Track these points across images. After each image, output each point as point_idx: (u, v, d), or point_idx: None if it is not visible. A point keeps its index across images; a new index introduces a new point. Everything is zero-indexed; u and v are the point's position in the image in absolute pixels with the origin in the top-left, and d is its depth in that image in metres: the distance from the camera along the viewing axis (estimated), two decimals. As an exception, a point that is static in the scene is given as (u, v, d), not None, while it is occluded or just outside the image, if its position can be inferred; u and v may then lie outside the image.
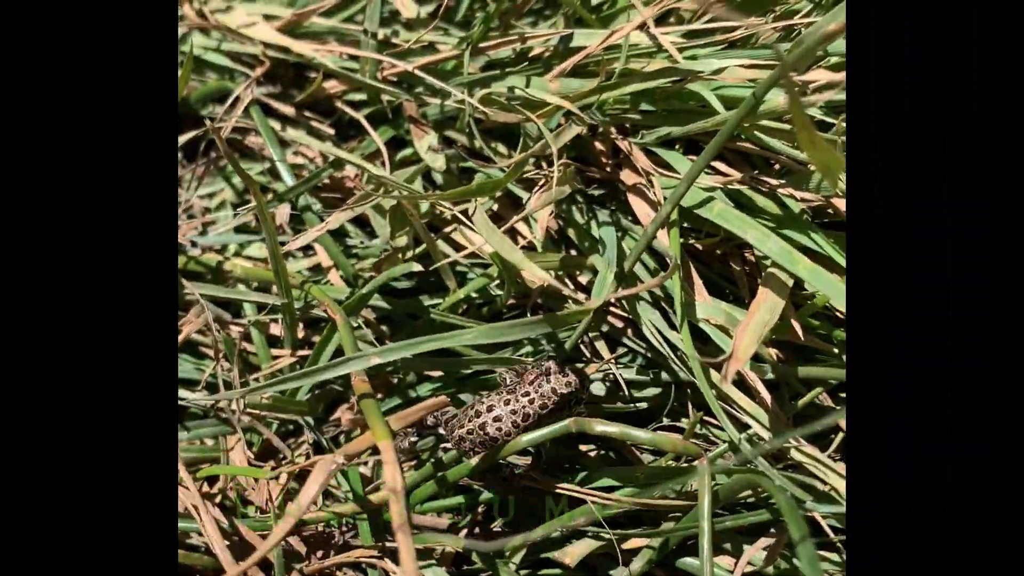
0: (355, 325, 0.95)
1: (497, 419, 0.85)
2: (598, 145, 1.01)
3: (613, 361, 0.94)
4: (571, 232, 1.00)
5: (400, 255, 0.97)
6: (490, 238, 0.80)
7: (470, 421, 0.86)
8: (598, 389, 0.96)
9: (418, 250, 0.97)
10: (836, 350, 0.90)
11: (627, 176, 0.96)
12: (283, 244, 0.99)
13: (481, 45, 1.00)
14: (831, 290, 0.77)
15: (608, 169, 1.00)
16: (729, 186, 0.90)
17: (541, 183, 0.92)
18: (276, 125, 1.11)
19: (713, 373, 0.86)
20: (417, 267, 0.89)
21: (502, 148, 1.05)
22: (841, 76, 0.85)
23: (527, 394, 0.86)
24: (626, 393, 0.94)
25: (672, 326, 0.92)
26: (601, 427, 0.85)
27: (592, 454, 0.96)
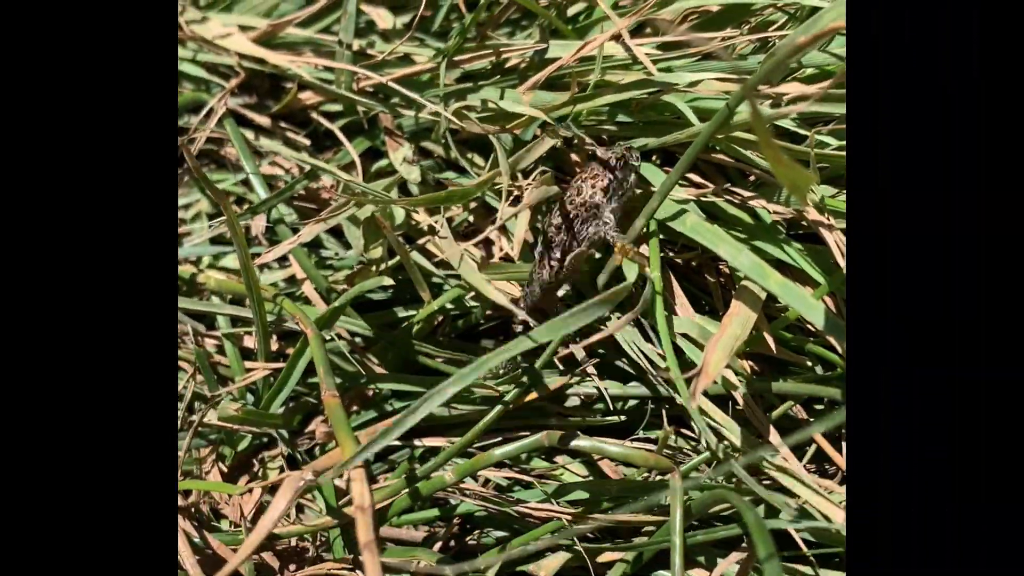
0: (328, 338, 0.94)
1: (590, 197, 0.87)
2: (574, 157, 1.01)
3: (595, 374, 0.94)
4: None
5: (374, 267, 0.96)
6: (452, 259, 0.80)
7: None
8: (573, 402, 0.96)
9: (392, 262, 0.96)
10: (809, 362, 0.90)
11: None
12: (257, 256, 0.98)
13: (456, 58, 1.00)
14: (802, 305, 0.77)
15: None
16: (703, 198, 0.90)
17: (514, 196, 0.92)
18: (251, 135, 1.11)
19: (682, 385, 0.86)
20: (388, 281, 0.88)
21: (478, 159, 1.05)
22: (813, 88, 0.86)
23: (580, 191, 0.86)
24: (609, 404, 0.93)
25: (647, 338, 0.92)
26: (574, 441, 0.85)
27: (568, 465, 0.96)
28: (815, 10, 0.91)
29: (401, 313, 1.00)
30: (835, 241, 0.82)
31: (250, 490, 0.93)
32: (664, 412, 0.94)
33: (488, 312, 1.01)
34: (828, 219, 0.83)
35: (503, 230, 1.01)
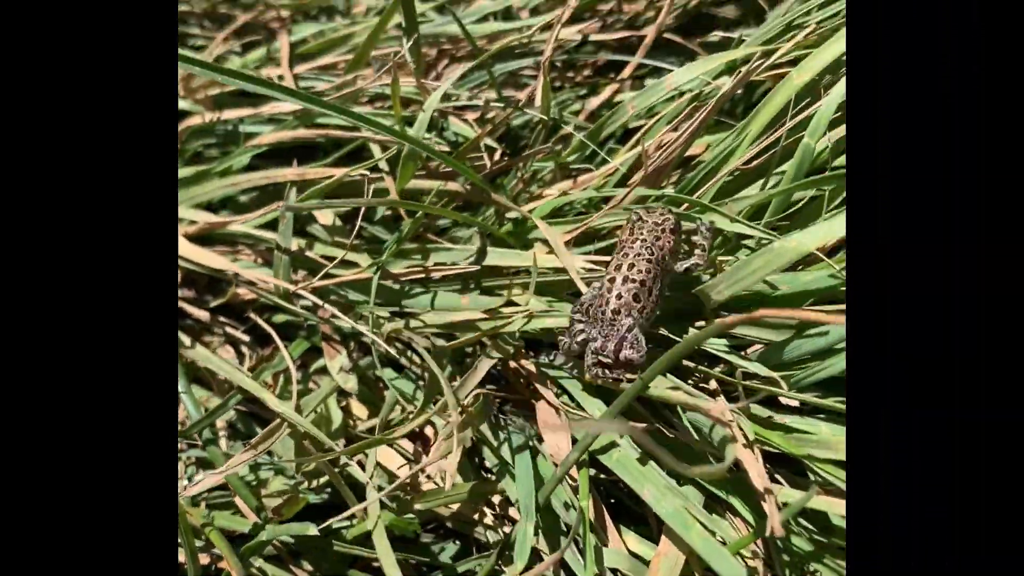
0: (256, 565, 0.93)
1: (624, 280, 0.84)
2: (512, 365, 1.01)
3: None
4: (485, 449, 1.00)
5: (307, 482, 0.96)
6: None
7: (601, 307, 0.85)
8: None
9: (323, 480, 0.95)
10: (741, 590, 0.91)
11: (541, 409, 0.96)
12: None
13: (394, 270, 1.01)
14: (722, 565, 0.77)
15: (526, 392, 1.00)
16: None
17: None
18: (187, 340, 1.09)
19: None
20: (313, 530, 0.87)
21: (417, 358, 1.05)
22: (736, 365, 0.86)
23: (635, 241, 0.84)
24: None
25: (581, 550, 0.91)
26: None
27: None
28: (740, 236, 0.94)
29: (336, 524, 0.98)
30: (762, 484, 0.83)
31: None
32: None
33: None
34: (759, 473, 0.83)
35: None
